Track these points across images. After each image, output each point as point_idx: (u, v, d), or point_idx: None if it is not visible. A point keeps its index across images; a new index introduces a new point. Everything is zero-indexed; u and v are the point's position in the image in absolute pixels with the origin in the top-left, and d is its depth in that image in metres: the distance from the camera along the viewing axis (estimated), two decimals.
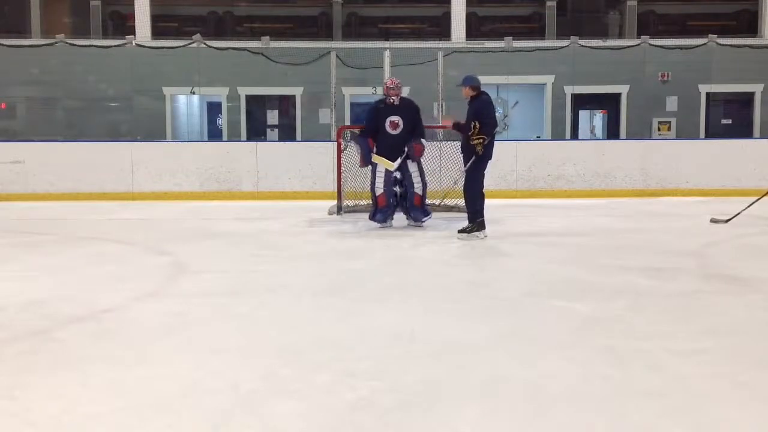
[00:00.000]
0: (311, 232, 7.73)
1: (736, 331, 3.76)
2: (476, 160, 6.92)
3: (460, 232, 7.03)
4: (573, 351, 3.37)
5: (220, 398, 2.77)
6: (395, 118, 7.65)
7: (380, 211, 7.79)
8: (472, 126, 6.89)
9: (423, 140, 7.79)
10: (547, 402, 2.73)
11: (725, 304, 4.38)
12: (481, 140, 6.83)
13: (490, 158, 7.04)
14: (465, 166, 7.03)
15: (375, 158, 7.68)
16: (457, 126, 7.12)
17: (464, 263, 5.98)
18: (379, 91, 10.98)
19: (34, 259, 6.11)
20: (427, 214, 7.89)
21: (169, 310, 4.22)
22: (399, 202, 7.85)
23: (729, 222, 7.76)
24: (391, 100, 7.73)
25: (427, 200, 8.07)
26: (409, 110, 7.77)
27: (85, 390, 2.89)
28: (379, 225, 7.80)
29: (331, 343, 3.53)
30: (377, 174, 7.76)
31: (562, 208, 9.96)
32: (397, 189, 7.75)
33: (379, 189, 7.73)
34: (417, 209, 7.79)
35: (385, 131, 7.66)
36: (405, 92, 14.06)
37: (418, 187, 7.75)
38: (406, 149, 7.62)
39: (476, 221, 7.01)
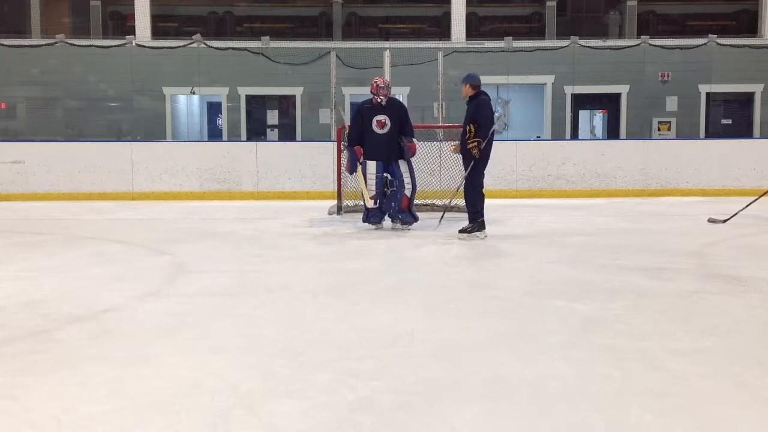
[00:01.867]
0: (311, 232, 7.73)
1: (736, 331, 3.76)
2: (474, 162, 6.93)
3: (460, 232, 7.03)
4: (573, 351, 3.37)
5: (220, 398, 2.77)
6: (382, 117, 7.55)
7: (373, 213, 7.76)
8: (467, 129, 6.88)
9: (414, 139, 7.71)
10: (547, 402, 2.73)
11: (725, 304, 4.38)
12: (476, 144, 6.83)
13: (488, 158, 7.03)
14: (465, 170, 7.02)
15: (359, 177, 7.64)
16: (462, 145, 7.06)
17: (464, 263, 5.98)
18: None
19: (34, 259, 6.11)
20: (416, 219, 7.76)
21: (169, 310, 4.22)
22: (386, 203, 7.68)
23: (726, 222, 7.76)
24: (379, 100, 7.60)
25: (416, 201, 8.03)
26: (397, 110, 7.67)
27: (85, 390, 2.89)
28: (373, 227, 7.77)
29: (331, 343, 3.53)
30: (368, 176, 7.71)
31: (562, 208, 9.97)
32: (387, 190, 7.64)
33: (371, 191, 7.69)
34: (405, 212, 7.67)
35: (372, 131, 7.56)
36: (405, 92, 14.21)
37: (408, 189, 7.65)
38: (402, 147, 7.57)
39: (476, 221, 7.01)
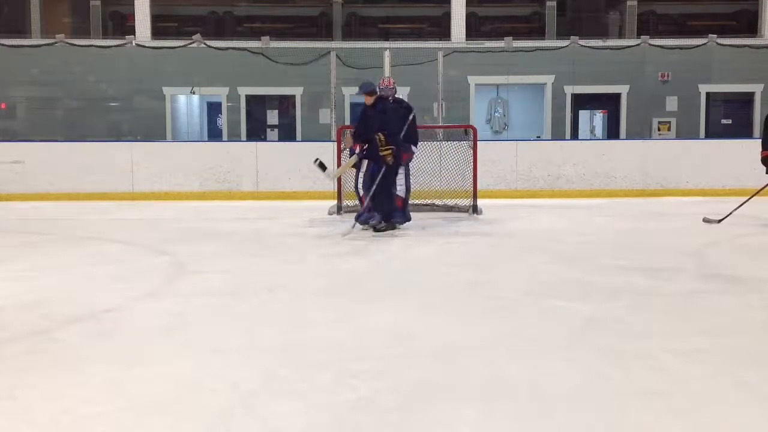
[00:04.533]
0: (311, 232, 7.73)
1: (736, 331, 3.76)
2: (391, 167, 7.15)
3: (375, 230, 7.30)
4: (573, 351, 3.37)
5: (220, 398, 2.77)
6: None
7: (367, 213, 7.62)
8: (378, 138, 7.06)
9: (413, 147, 7.63)
10: (547, 402, 2.73)
11: (725, 304, 4.38)
12: (391, 152, 7.08)
13: (400, 161, 7.33)
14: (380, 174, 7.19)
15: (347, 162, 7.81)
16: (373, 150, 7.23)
17: (464, 263, 5.97)
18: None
19: (34, 259, 6.11)
20: (407, 219, 7.75)
21: (169, 310, 4.22)
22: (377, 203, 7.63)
23: (721, 222, 7.76)
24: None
25: (416, 201, 7.98)
26: (401, 112, 7.60)
27: (85, 390, 2.89)
28: (360, 227, 7.51)
29: (331, 343, 3.54)
30: (358, 176, 7.78)
31: (562, 208, 9.96)
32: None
33: (361, 191, 7.73)
34: (399, 212, 7.65)
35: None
36: (405, 92, 14.20)
37: (400, 190, 7.63)
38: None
39: (390, 221, 7.29)
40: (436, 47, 12.33)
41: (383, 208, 7.31)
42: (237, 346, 3.49)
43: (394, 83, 7.80)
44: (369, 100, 7.30)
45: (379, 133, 7.05)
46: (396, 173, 7.31)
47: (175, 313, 4.16)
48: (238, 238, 7.28)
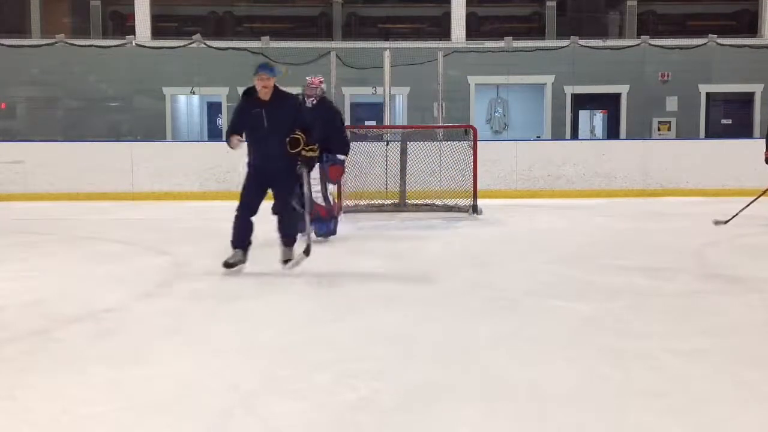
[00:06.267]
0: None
1: (736, 331, 3.76)
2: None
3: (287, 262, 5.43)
4: (573, 351, 3.37)
5: (220, 398, 2.77)
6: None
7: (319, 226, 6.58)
8: (298, 138, 5.36)
9: (343, 156, 6.58)
10: (547, 402, 2.73)
11: (725, 304, 4.38)
12: (316, 151, 5.55)
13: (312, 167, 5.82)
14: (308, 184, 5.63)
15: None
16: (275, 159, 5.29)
17: (464, 263, 5.97)
18: (380, 91, 10.98)
19: (34, 259, 6.11)
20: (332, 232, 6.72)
21: (169, 310, 4.22)
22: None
23: (728, 222, 7.75)
24: (309, 102, 6.49)
25: (416, 201, 7.88)
26: (325, 115, 6.47)
27: (85, 390, 2.89)
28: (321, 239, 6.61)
29: (331, 343, 3.53)
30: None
31: (562, 208, 9.96)
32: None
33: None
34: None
35: None
36: (405, 92, 14.20)
37: (317, 197, 6.38)
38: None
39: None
40: (436, 47, 12.31)
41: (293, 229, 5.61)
42: (237, 346, 3.49)
43: (320, 82, 6.74)
44: (264, 91, 5.51)
45: (298, 132, 5.36)
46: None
47: (175, 313, 4.16)
48: None
